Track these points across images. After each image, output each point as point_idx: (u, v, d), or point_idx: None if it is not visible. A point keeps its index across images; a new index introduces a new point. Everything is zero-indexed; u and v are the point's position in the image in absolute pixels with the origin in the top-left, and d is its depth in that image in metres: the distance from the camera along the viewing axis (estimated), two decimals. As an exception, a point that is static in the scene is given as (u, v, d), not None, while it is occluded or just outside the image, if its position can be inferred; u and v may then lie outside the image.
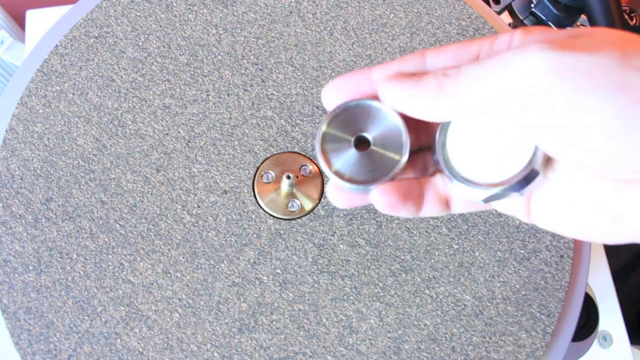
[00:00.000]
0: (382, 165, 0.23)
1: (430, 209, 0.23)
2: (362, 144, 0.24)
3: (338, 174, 0.23)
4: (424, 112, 0.21)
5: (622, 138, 0.17)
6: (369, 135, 0.23)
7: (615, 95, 0.16)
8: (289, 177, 0.32)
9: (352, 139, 0.23)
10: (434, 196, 0.23)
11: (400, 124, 0.22)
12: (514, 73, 0.18)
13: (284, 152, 0.35)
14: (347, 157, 0.23)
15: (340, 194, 0.23)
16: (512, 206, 0.23)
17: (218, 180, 0.34)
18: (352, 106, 0.23)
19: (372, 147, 0.23)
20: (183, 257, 0.32)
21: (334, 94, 0.23)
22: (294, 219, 0.33)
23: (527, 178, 0.21)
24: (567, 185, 0.20)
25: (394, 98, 0.21)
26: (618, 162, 0.17)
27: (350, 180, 0.23)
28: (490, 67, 0.19)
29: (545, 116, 0.18)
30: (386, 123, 0.23)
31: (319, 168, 0.26)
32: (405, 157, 0.23)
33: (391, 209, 0.22)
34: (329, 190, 0.24)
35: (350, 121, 0.23)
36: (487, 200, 0.22)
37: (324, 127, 0.23)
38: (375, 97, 0.23)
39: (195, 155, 0.34)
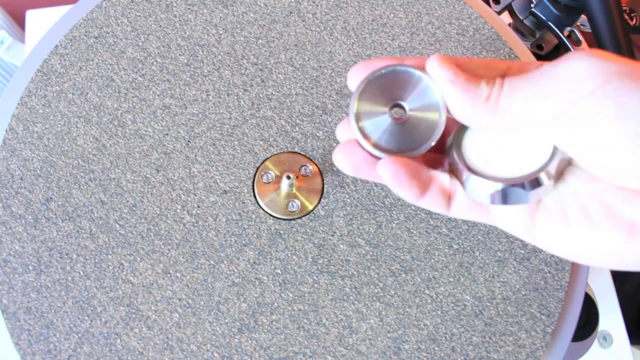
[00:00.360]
0: (416, 136, 0.23)
1: (432, 199, 0.23)
2: (397, 112, 0.23)
3: (376, 145, 0.22)
4: (475, 123, 0.21)
5: None
6: (405, 104, 0.23)
7: None
8: (289, 177, 0.32)
9: (388, 108, 0.23)
10: (438, 188, 0.23)
11: (441, 98, 0.22)
12: (562, 79, 0.18)
13: (284, 152, 0.35)
14: (382, 126, 0.23)
15: (350, 159, 0.23)
16: (514, 220, 0.22)
17: (218, 181, 0.34)
18: (387, 72, 0.23)
19: (409, 115, 0.23)
20: (183, 257, 0.32)
21: (363, 74, 0.23)
22: (294, 219, 0.33)
23: (538, 180, 0.21)
24: (581, 199, 0.20)
25: (453, 99, 0.21)
26: None
27: (387, 151, 0.22)
28: (536, 77, 0.19)
29: (586, 119, 0.18)
30: (425, 94, 0.23)
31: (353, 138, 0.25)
32: (440, 131, 0.22)
33: (396, 182, 0.22)
34: (336, 156, 0.23)
35: (385, 89, 0.23)
36: (493, 198, 0.22)
37: (357, 96, 0.23)
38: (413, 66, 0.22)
39: (195, 156, 0.34)
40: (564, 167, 0.21)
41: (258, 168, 0.34)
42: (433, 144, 0.23)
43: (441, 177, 0.23)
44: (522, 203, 0.21)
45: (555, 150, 0.21)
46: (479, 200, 0.22)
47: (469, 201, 0.23)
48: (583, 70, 0.18)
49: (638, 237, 0.18)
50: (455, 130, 0.23)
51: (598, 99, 0.18)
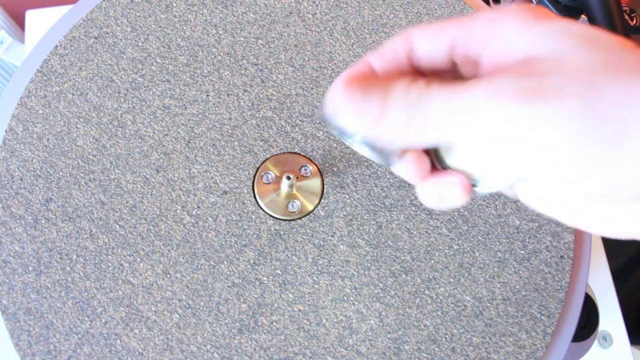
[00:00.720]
0: None
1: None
2: None
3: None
4: (387, 141, 0.19)
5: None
6: None
7: (579, 142, 0.17)
8: (289, 178, 0.32)
9: None
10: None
11: None
12: (483, 119, 0.18)
13: (283, 152, 0.35)
14: None
15: None
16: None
17: (218, 181, 0.34)
18: None
19: None
20: (183, 258, 0.32)
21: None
22: (293, 220, 0.33)
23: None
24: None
25: (355, 119, 0.19)
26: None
27: None
28: (459, 102, 0.18)
29: (512, 163, 0.18)
30: None
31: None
32: None
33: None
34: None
35: None
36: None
37: None
38: None
39: (195, 156, 0.34)
40: None
41: (258, 168, 0.34)
42: None
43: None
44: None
45: None
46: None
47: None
48: (508, 119, 0.17)
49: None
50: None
51: (522, 148, 0.18)
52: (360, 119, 0.19)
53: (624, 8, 0.45)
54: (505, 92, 0.17)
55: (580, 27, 0.18)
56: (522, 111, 0.17)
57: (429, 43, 0.21)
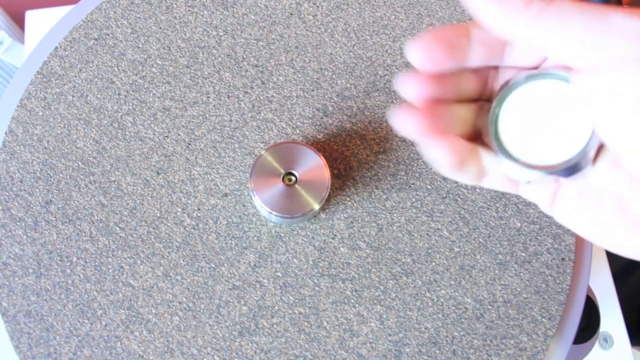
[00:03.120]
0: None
1: (469, 173, 0.23)
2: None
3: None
4: (505, 26, 0.20)
5: None
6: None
7: None
8: (289, 180, 0.32)
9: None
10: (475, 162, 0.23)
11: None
12: (616, 29, 0.17)
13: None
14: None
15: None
16: (538, 193, 0.22)
17: (218, 183, 0.34)
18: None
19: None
20: (183, 260, 0.32)
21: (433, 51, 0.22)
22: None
23: (578, 166, 0.20)
24: (599, 184, 0.20)
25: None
26: None
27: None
28: (592, 14, 0.18)
29: (617, 88, 0.17)
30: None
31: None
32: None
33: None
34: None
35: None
36: (532, 182, 0.22)
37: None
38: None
39: (196, 158, 0.34)
40: (599, 150, 0.21)
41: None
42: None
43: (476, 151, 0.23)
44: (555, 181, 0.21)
45: (593, 133, 0.20)
46: (518, 181, 0.22)
47: (501, 176, 0.23)
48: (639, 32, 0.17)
49: (638, 233, 0.19)
50: (490, 108, 0.23)
51: (635, 69, 0.17)
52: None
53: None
54: None
55: None
56: None
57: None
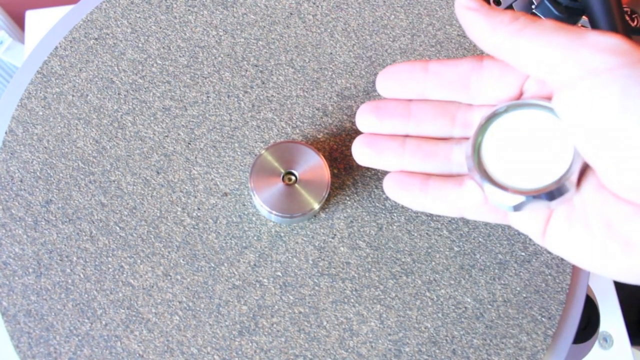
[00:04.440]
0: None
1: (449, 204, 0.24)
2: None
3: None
4: (491, 37, 0.21)
5: None
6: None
7: None
8: (289, 179, 0.32)
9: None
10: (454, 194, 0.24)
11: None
12: (590, 45, 0.18)
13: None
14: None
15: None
16: (529, 225, 0.22)
17: (218, 183, 0.34)
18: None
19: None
20: (183, 260, 0.32)
21: (390, 83, 0.25)
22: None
23: (561, 189, 0.21)
24: (586, 209, 0.20)
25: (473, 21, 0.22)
26: None
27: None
28: (572, 32, 0.19)
29: (593, 101, 0.18)
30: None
31: None
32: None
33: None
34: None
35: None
36: (517, 207, 0.21)
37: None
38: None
39: (196, 158, 0.34)
40: (583, 173, 0.21)
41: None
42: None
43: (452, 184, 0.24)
44: (542, 207, 0.21)
45: (576, 155, 0.21)
46: (502, 209, 0.22)
47: (486, 205, 0.24)
48: (613, 46, 0.18)
49: (632, 253, 0.19)
50: (472, 138, 0.23)
51: (609, 79, 0.18)
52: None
53: (625, 9, 0.45)
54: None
55: None
56: (633, 49, 0.18)
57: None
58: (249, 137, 0.35)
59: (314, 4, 0.39)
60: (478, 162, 0.23)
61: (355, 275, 0.32)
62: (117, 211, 0.33)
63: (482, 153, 0.23)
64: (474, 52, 0.38)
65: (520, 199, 0.21)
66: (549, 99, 0.22)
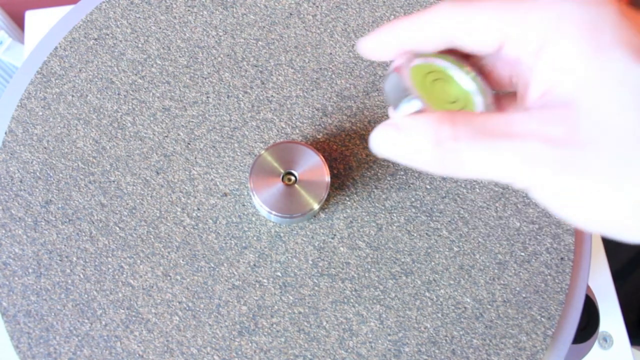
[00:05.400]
0: None
1: None
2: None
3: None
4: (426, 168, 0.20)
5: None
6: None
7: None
8: (289, 180, 0.32)
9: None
10: None
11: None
12: (516, 179, 0.18)
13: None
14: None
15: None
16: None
17: (218, 183, 0.34)
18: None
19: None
20: (183, 260, 0.32)
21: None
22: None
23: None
24: None
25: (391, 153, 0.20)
26: None
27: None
28: (490, 162, 0.18)
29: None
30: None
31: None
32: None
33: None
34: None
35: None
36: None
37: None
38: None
39: (195, 158, 0.34)
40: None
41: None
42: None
43: None
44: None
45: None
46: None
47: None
48: (530, 163, 0.17)
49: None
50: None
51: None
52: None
53: (625, 9, 0.45)
54: (540, 161, 0.17)
55: None
56: (556, 182, 0.17)
57: (474, 34, 0.20)
58: (248, 138, 0.35)
59: (314, 4, 0.39)
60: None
61: (355, 275, 0.32)
62: (117, 211, 0.33)
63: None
64: (474, 52, 0.38)
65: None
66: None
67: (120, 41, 0.37)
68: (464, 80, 0.23)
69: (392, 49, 0.21)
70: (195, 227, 0.33)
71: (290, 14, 0.38)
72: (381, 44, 0.21)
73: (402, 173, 0.35)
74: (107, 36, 0.37)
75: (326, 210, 0.34)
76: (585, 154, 0.17)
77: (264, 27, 0.38)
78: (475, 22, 0.20)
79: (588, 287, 0.47)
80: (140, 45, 0.37)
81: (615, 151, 0.17)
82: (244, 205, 0.33)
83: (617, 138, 0.17)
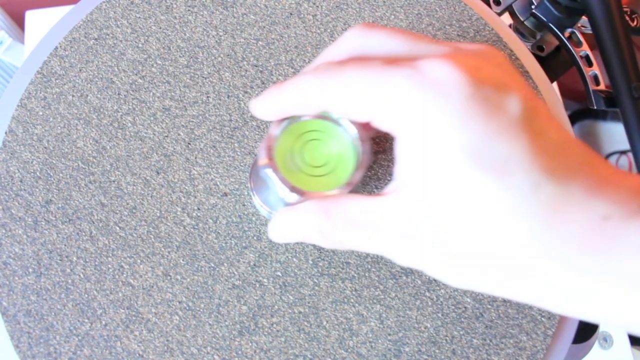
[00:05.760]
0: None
1: None
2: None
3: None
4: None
5: None
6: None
7: None
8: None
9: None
10: None
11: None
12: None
13: (284, 154, 0.35)
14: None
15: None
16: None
17: (218, 183, 0.34)
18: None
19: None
20: (183, 260, 0.32)
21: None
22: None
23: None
24: None
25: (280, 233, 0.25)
26: None
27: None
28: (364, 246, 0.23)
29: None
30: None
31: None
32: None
33: None
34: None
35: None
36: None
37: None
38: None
39: (195, 158, 0.34)
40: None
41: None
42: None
43: None
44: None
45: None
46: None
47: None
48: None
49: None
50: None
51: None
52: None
53: (625, 9, 0.45)
54: (392, 248, 0.22)
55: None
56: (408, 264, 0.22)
57: (342, 109, 0.22)
58: (249, 137, 0.35)
59: (314, 4, 0.39)
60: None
61: (355, 275, 0.32)
62: (117, 211, 0.33)
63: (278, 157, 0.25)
64: (474, 52, 0.38)
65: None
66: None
67: (121, 41, 0.37)
68: (339, 139, 0.25)
69: (274, 113, 0.24)
70: (196, 227, 0.33)
71: (291, 14, 0.38)
72: (264, 109, 0.25)
73: (402, 173, 0.35)
74: (107, 36, 0.37)
75: (326, 210, 0.34)
76: (414, 242, 0.21)
77: (264, 27, 0.38)
78: (341, 99, 0.22)
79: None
80: (140, 45, 0.37)
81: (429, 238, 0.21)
82: (244, 205, 0.34)
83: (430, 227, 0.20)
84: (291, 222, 0.24)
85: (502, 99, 0.19)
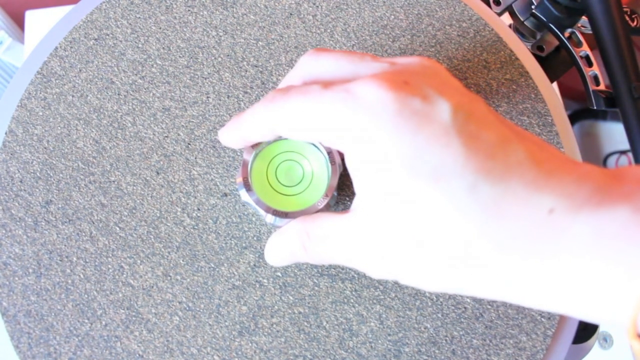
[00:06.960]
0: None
1: None
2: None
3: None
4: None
5: None
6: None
7: None
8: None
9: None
10: None
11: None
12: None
13: (284, 154, 0.35)
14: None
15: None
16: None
17: (218, 183, 0.34)
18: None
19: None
20: (183, 260, 0.32)
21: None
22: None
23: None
24: None
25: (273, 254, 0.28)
26: None
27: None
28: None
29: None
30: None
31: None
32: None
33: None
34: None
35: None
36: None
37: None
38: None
39: (195, 158, 0.34)
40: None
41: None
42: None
43: None
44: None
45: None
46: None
47: None
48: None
49: None
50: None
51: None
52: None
53: (625, 9, 0.45)
54: (360, 263, 0.24)
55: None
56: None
57: (295, 135, 0.24)
58: (248, 138, 0.35)
59: (314, 4, 0.39)
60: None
61: (355, 275, 0.32)
62: (117, 211, 0.33)
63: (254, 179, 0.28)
64: (474, 52, 0.38)
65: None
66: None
67: (121, 41, 0.37)
68: (311, 155, 0.27)
69: (238, 142, 0.27)
70: (196, 227, 0.33)
71: (291, 14, 0.38)
72: (229, 139, 0.27)
73: (402, 173, 0.35)
74: (107, 36, 0.37)
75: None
76: (378, 256, 0.23)
77: (264, 27, 0.38)
78: (288, 124, 0.23)
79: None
80: (140, 45, 0.37)
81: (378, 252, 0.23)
82: (244, 205, 0.33)
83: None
84: (280, 245, 0.27)
85: (430, 109, 0.20)
